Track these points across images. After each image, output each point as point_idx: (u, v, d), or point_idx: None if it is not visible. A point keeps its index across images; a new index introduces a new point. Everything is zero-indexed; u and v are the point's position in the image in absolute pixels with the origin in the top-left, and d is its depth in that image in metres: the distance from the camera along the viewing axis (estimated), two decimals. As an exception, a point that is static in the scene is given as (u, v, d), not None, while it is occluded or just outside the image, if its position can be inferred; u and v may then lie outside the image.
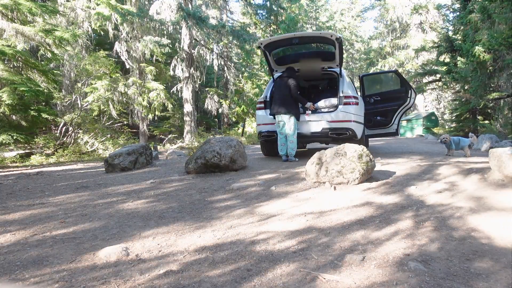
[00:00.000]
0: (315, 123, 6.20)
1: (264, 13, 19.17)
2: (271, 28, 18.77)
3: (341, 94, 6.24)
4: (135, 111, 17.14)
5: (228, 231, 2.84)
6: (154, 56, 16.12)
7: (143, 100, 15.43)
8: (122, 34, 16.11)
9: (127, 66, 16.81)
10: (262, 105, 6.72)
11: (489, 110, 17.79)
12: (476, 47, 11.55)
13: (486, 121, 18.39)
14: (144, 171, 5.99)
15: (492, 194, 3.28)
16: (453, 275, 1.94)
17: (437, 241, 2.39)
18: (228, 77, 19.79)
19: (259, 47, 6.36)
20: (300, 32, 6.39)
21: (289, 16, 18.62)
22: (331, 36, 5.75)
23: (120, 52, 16.37)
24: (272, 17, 18.62)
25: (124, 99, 15.08)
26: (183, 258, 2.34)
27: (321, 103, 6.73)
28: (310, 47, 6.70)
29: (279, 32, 17.71)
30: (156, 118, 17.69)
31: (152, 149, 7.54)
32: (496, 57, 11.48)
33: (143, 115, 16.78)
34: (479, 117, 18.42)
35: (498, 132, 15.32)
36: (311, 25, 34.65)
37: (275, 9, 18.41)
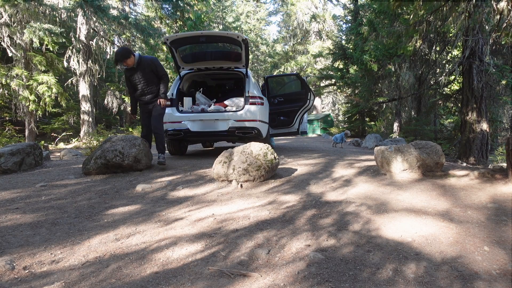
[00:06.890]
0: (222, 122, 6.26)
1: (169, 8, 18.56)
2: (178, 24, 18.26)
3: (247, 94, 6.41)
4: (21, 106, 15.08)
5: (133, 236, 2.71)
6: (44, 45, 14.36)
7: (31, 94, 13.65)
8: (2, 18, 14.01)
9: (10, 54, 14.69)
10: (169, 102, 6.51)
11: (374, 113, 20.15)
12: (364, 56, 12.99)
13: (372, 122, 20.91)
14: (33, 173, 5.33)
15: (380, 188, 3.74)
16: (346, 261, 2.17)
17: (333, 233, 2.64)
18: (132, 73, 18.65)
19: (165, 43, 6.18)
20: (207, 31, 6.36)
21: (196, 14, 18.35)
22: (238, 37, 5.88)
23: (1, 38, 14.22)
24: (178, 13, 18.13)
25: (6, 91, 13.14)
26: (81, 267, 2.17)
27: (228, 103, 6.82)
28: (217, 46, 6.73)
29: (186, 29, 17.35)
30: (47, 114, 15.82)
31: (42, 148, 6.74)
32: (380, 66, 13.08)
33: (30, 111, 14.85)
34: (367, 119, 20.77)
35: (381, 132, 17.50)
36: (218, 24, 34.83)
37: (181, 5, 17.95)
